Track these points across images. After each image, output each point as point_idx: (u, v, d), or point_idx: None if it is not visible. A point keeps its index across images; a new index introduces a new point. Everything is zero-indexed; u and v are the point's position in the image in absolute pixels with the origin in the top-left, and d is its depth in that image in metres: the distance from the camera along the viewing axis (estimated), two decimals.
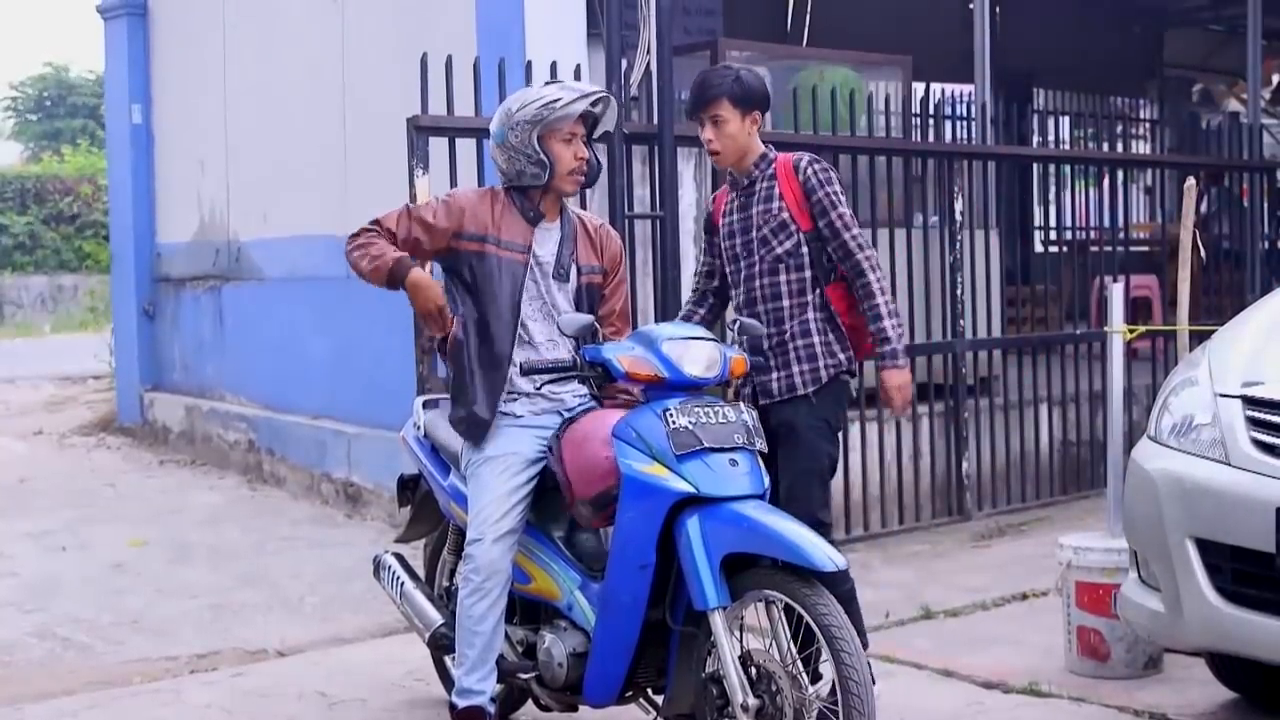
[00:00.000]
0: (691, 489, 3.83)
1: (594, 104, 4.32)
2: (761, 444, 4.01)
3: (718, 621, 3.78)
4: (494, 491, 4.24)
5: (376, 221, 4.34)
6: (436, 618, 4.60)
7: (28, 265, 27.81)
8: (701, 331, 4.20)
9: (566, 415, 4.32)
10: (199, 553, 7.66)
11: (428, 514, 4.90)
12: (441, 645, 4.59)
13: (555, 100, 4.23)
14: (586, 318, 4.13)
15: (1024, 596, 6.24)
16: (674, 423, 3.88)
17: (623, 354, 4.02)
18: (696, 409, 3.93)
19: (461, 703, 4.30)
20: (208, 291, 10.87)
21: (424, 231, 4.30)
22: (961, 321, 8.02)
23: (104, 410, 12.51)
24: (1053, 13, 14.02)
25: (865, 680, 3.63)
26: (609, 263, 4.50)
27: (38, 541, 8.02)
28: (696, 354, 4.03)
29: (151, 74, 11.62)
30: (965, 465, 8.00)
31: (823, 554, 3.67)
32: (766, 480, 3.98)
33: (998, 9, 9.91)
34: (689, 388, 4.01)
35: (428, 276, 4.23)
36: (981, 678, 5.12)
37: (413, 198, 6.08)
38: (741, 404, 4.11)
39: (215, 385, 10.77)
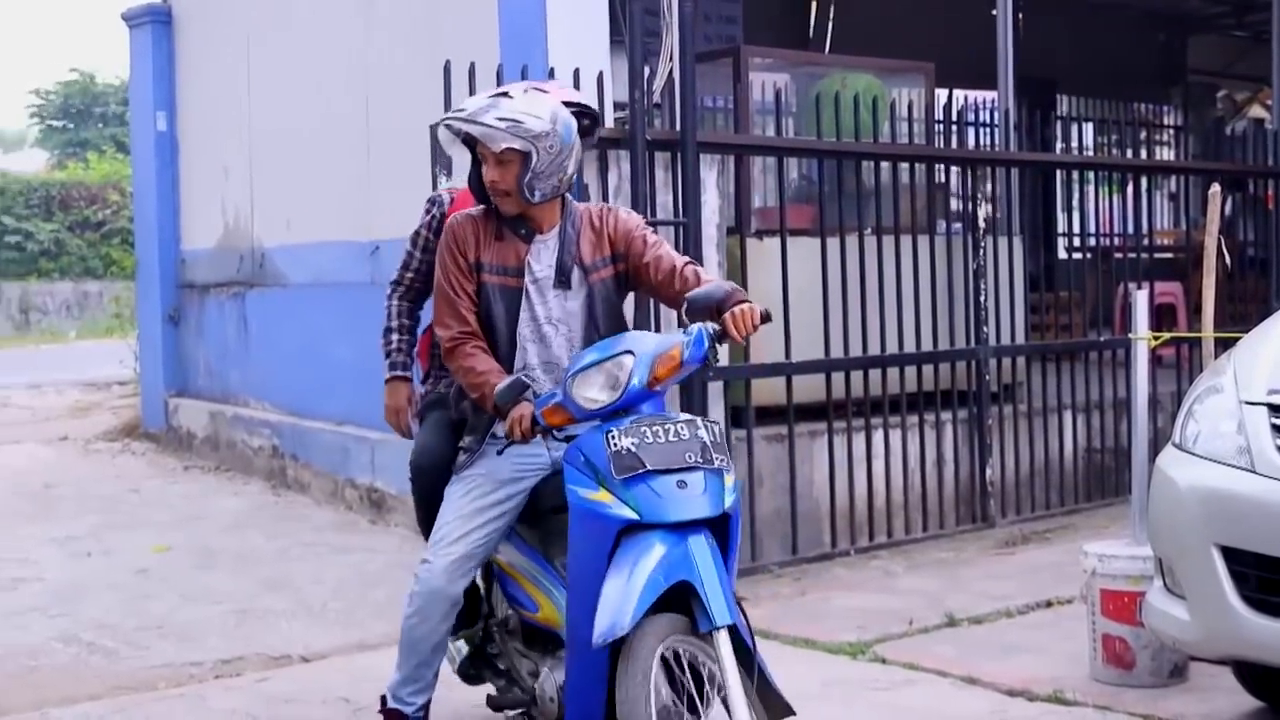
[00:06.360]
0: (635, 515, 3.58)
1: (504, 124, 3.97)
2: (723, 460, 3.71)
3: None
4: (457, 511, 4.12)
5: (453, 310, 4.09)
6: (462, 647, 4.54)
7: (53, 272, 28.00)
8: (622, 346, 3.81)
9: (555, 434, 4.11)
10: (223, 558, 7.69)
11: None
12: (469, 677, 4.56)
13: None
14: (516, 383, 3.84)
15: (1048, 604, 6.22)
16: (615, 445, 3.63)
17: (546, 404, 3.81)
18: (644, 428, 3.67)
19: (391, 703, 4.31)
20: (232, 298, 10.91)
21: (470, 283, 4.12)
22: (985, 328, 8.00)
23: (129, 416, 12.56)
24: (1076, 19, 14.00)
25: None
26: (622, 243, 4.17)
27: (63, 547, 8.05)
28: (591, 380, 3.75)
29: (176, 81, 11.68)
30: (989, 472, 7.98)
31: (716, 609, 3.46)
32: (730, 498, 3.68)
33: (1020, 15, 9.90)
34: (613, 414, 3.73)
35: (524, 407, 3.86)
36: (1006, 685, 5.10)
37: None
38: (700, 419, 3.80)
39: (239, 391, 10.81)
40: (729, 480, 3.70)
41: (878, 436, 7.50)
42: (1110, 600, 5.07)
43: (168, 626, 6.37)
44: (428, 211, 4.83)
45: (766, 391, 7.13)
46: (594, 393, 3.74)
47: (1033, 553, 7.38)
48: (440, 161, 6.23)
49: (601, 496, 3.63)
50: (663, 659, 3.54)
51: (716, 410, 6.83)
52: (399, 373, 4.90)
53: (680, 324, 4.01)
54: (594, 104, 6.80)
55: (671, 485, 3.60)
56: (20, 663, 5.86)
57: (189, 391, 11.54)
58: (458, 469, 4.22)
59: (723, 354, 6.74)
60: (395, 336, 4.91)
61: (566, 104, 4.21)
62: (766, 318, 3.82)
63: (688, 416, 3.81)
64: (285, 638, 6.15)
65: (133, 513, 9.04)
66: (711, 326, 3.80)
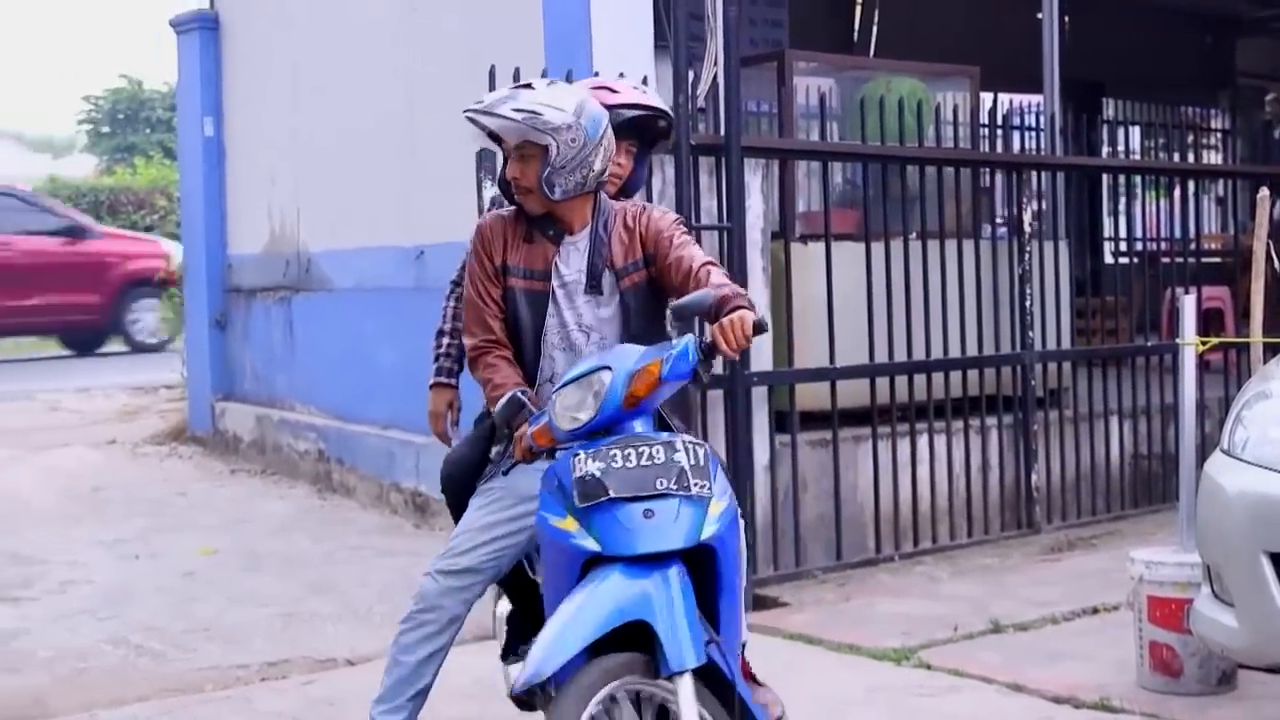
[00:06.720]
0: (598, 547, 3.34)
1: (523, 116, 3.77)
2: (705, 486, 3.40)
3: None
4: (471, 524, 3.98)
5: (478, 317, 3.95)
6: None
7: None
8: (603, 361, 3.57)
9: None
10: (269, 562, 7.74)
11: None
12: (521, 702, 4.46)
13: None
14: (513, 401, 3.70)
15: (1095, 611, 6.18)
16: (580, 470, 3.39)
17: (536, 424, 3.61)
18: (615, 451, 3.39)
19: None
20: (278, 302, 10.98)
21: (496, 288, 3.96)
22: (1031, 333, 7.96)
23: (176, 420, 12.63)
24: (1122, 21, 13.91)
25: None
26: (652, 244, 3.90)
27: (111, 550, 8.12)
28: (569, 398, 3.52)
29: (223, 87, 11.75)
30: (1035, 478, 7.93)
31: (673, 652, 3.25)
32: (712, 528, 3.37)
33: (1066, 18, 9.83)
34: (591, 434, 3.49)
35: (526, 427, 3.70)
36: (1051, 692, 5.08)
37: (480, 209, 6.10)
38: (681, 439, 3.48)
39: (285, 395, 10.87)
40: (714, 508, 3.40)
41: (922, 442, 7.48)
42: (1158, 607, 5.04)
43: (214, 629, 6.42)
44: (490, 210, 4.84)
45: (811, 396, 7.12)
46: (571, 412, 3.51)
47: (1079, 559, 7.34)
48: (485, 167, 6.24)
49: (568, 525, 3.40)
50: (629, 698, 3.37)
51: (761, 415, 6.82)
52: (442, 379, 4.90)
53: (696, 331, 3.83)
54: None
55: (637, 515, 3.33)
56: (69, 665, 5.92)
57: (235, 395, 11.61)
58: (483, 479, 4.10)
59: (764, 358, 6.75)
60: (445, 340, 4.90)
61: (639, 106, 4.14)
62: (760, 328, 3.51)
63: (668, 437, 3.50)
64: (331, 641, 6.19)
65: (180, 516, 9.11)
66: (701, 338, 3.53)
